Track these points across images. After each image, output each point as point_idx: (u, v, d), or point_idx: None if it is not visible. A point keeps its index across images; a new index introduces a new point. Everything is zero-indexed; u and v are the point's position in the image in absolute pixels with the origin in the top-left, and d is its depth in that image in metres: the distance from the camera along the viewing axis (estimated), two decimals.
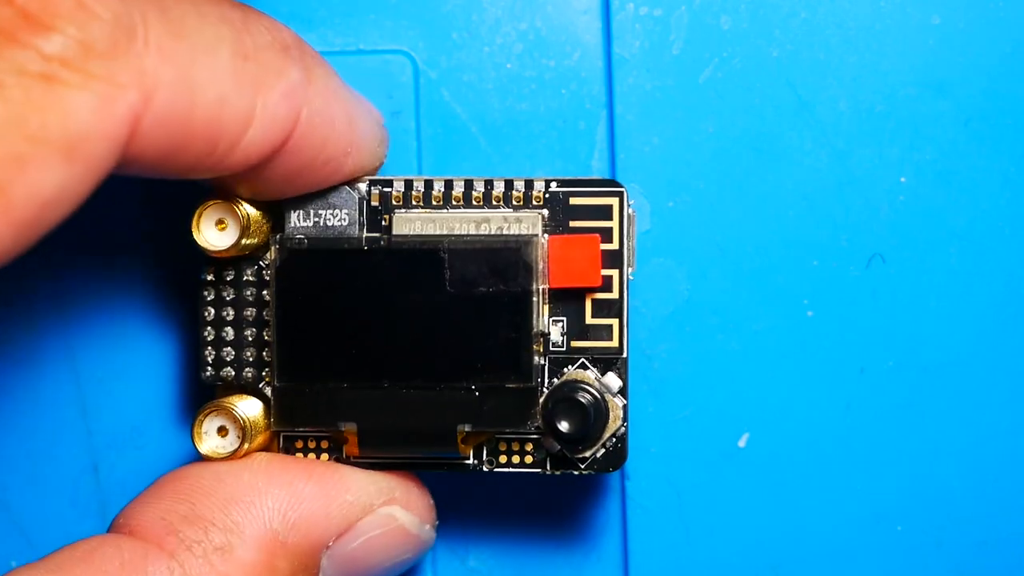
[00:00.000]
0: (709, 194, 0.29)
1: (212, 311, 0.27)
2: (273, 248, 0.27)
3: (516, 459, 0.27)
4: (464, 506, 0.30)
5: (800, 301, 0.29)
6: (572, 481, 0.30)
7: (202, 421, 0.27)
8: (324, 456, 0.27)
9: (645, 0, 0.29)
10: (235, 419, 0.26)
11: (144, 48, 0.21)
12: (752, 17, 0.29)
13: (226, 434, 0.27)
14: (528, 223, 0.27)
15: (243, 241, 0.26)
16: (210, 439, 0.27)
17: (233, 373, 0.27)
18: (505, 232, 0.27)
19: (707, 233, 0.29)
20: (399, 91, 0.30)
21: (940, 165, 0.29)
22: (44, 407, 0.30)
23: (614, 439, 0.27)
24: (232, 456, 0.26)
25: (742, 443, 0.29)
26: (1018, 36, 0.29)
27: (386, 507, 0.27)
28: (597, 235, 0.26)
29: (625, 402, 0.27)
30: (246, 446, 0.26)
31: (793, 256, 0.29)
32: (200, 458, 0.27)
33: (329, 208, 0.27)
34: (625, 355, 0.27)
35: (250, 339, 0.27)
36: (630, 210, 0.27)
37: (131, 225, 0.30)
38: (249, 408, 0.27)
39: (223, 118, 0.22)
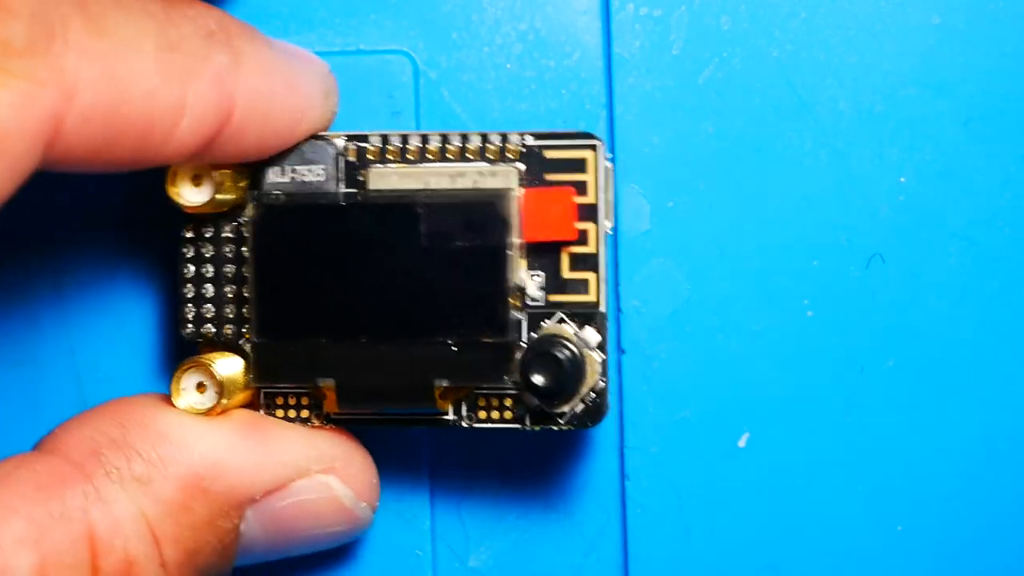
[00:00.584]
0: (709, 194, 0.29)
1: (192, 268, 0.27)
2: (251, 204, 0.27)
3: (496, 415, 0.27)
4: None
5: (800, 301, 0.29)
6: (568, 465, 0.30)
7: (180, 377, 0.27)
8: (304, 412, 0.27)
9: (645, 0, 0.29)
10: (212, 375, 0.26)
11: (64, 46, 0.21)
12: (752, 17, 0.29)
13: (204, 391, 0.27)
14: (503, 177, 0.27)
15: (219, 196, 0.26)
16: (188, 395, 0.27)
17: (214, 330, 0.27)
18: (481, 186, 0.26)
19: (707, 233, 0.29)
20: (399, 91, 0.30)
21: (940, 165, 0.29)
22: (44, 405, 0.30)
23: (593, 394, 0.27)
24: (209, 412, 0.26)
25: (742, 443, 0.29)
26: (1018, 36, 0.29)
27: (324, 475, 0.27)
28: (571, 187, 0.26)
29: (604, 357, 0.27)
30: (224, 402, 0.26)
31: (793, 256, 0.29)
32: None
33: (306, 164, 0.27)
34: (603, 309, 0.27)
35: (230, 296, 0.27)
36: (607, 163, 0.27)
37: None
38: (229, 365, 0.27)
39: (153, 112, 0.22)
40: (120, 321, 0.30)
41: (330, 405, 0.27)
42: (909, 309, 0.29)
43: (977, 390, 0.29)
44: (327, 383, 0.27)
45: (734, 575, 0.29)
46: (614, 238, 0.29)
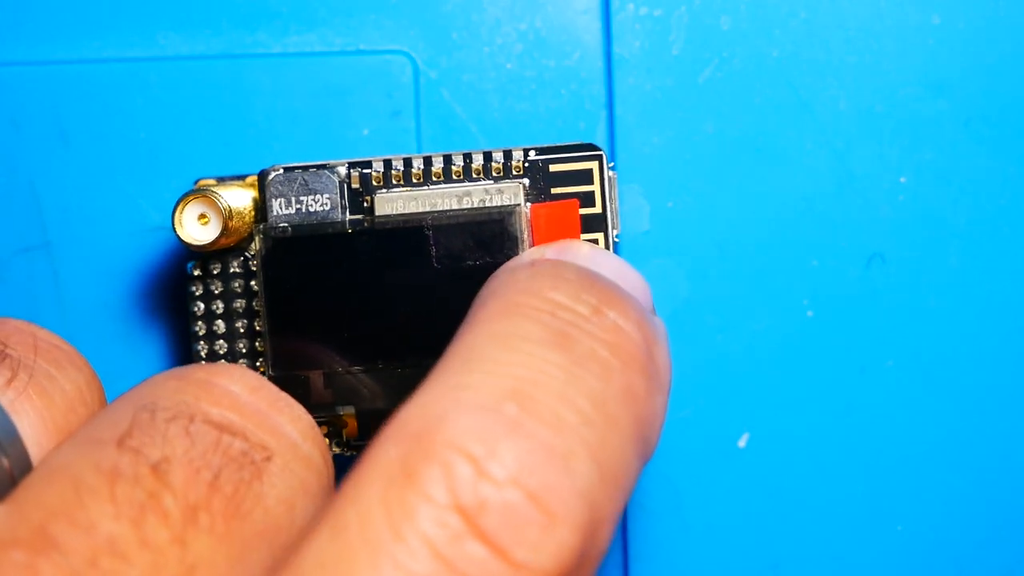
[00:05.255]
0: (709, 194, 0.29)
1: (201, 305, 0.27)
2: (257, 238, 0.27)
3: None
4: None
5: (800, 301, 0.29)
6: None
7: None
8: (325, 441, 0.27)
9: (645, 0, 0.29)
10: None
11: None
12: (752, 17, 0.29)
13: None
14: (510, 193, 0.27)
15: (226, 233, 0.26)
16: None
17: None
18: (488, 204, 0.27)
19: (707, 233, 0.29)
20: (399, 91, 0.30)
21: (940, 165, 0.29)
22: None
23: None
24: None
25: (742, 443, 0.29)
26: (1018, 36, 0.29)
27: None
28: (575, 199, 0.26)
29: None
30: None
31: (793, 256, 0.29)
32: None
33: (311, 194, 0.27)
34: None
35: (242, 331, 0.27)
36: (611, 172, 0.27)
37: (119, 223, 0.30)
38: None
39: None
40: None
41: (351, 432, 0.27)
42: (909, 309, 0.29)
43: (977, 390, 0.29)
44: (347, 411, 0.27)
45: (734, 575, 0.29)
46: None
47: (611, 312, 0.21)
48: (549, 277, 0.22)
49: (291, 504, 0.20)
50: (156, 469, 0.19)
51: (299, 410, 0.22)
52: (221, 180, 0.28)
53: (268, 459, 0.20)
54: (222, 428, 0.20)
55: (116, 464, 0.19)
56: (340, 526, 0.18)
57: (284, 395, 0.22)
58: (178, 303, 0.30)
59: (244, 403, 0.21)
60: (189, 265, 0.27)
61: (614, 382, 0.20)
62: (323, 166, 0.27)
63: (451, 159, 0.27)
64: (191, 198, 0.26)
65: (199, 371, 0.21)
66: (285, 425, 0.21)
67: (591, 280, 0.22)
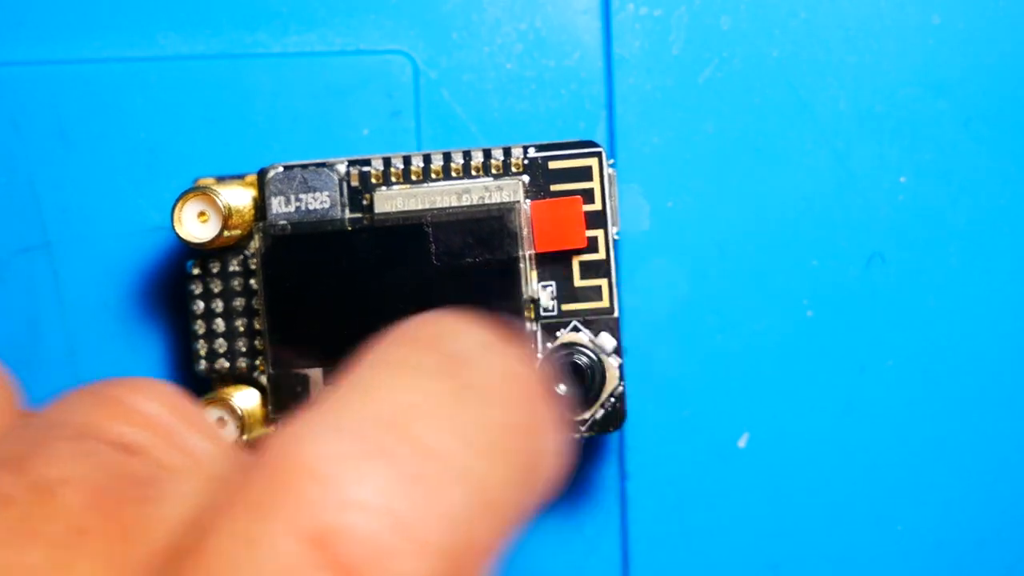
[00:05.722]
0: (709, 194, 0.29)
1: (201, 304, 0.27)
2: (257, 236, 0.27)
3: None
4: None
5: (800, 301, 0.29)
6: (568, 464, 0.30)
7: None
8: None
9: (645, 0, 0.29)
10: (232, 410, 0.26)
11: None
12: (752, 17, 0.29)
13: (225, 425, 0.27)
14: (509, 190, 0.27)
15: (226, 231, 0.26)
16: None
17: (228, 364, 0.27)
18: (487, 201, 0.27)
19: (707, 233, 0.29)
20: (399, 91, 0.30)
21: (940, 165, 0.29)
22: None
23: (612, 399, 0.27)
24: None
25: (742, 443, 0.29)
26: (1018, 36, 0.29)
27: None
28: (579, 196, 0.26)
29: (621, 361, 0.27)
30: (245, 436, 0.26)
31: (793, 256, 0.29)
32: None
33: (310, 192, 0.27)
34: (616, 315, 0.27)
35: (241, 329, 0.27)
36: (610, 170, 0.27)
37: (119, 223, 0.30)
38: (246, 399, 0.27)
39: None
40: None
41: None
42: (909, 309, 0.29)
43: (977, 390, 0.29)
44: None
45: (734, 575, 0.29)
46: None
47: (505, 348, 0.20)
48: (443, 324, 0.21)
49: None
50: (43, 491, 0.18)
51: (215, 430, 0.21)
52: (221, 179, 0.28)
53: (172, 480, 0.20)
54: (123, 448, 0.19)
55: (1, 487, 0.18)
56: (199, 554, 0.17)
57: (202, 413, 0.21)
58: (178, 302, 0.30)
59: (156, 422, 0.20)
60: (189, 264, 0.27)
61: (499, 409, 0.19)
62: (322, 164, 0.27)
63: (450, 157, 0.27)
64: (190, 196, 0.26)
65: (113, 388, 0.20)
66: (198, 444, 0.21)
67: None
